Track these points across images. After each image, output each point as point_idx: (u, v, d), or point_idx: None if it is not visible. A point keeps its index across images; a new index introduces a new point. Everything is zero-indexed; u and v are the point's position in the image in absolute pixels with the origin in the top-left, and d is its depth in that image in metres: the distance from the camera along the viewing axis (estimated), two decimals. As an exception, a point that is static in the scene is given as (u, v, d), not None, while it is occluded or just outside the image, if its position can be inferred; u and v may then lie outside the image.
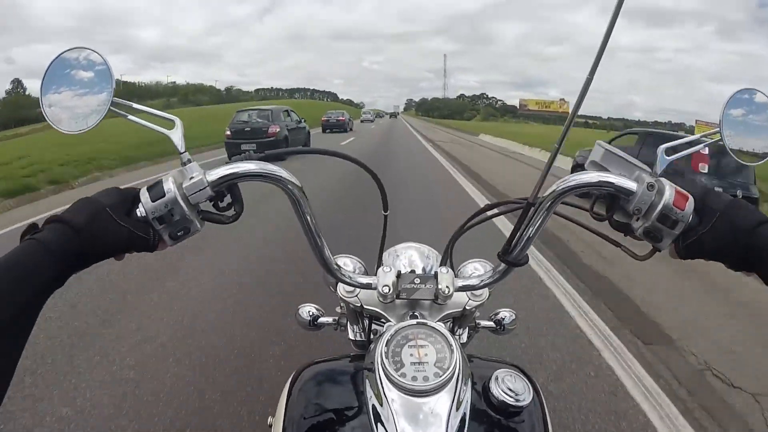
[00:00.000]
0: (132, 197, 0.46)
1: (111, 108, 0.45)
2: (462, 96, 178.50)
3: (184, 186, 0.45)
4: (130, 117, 0.47)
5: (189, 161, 0.46)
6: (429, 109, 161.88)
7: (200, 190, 0.45)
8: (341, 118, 24.75)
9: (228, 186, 0.47)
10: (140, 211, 0.45)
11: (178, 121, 0.47)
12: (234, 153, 10.07)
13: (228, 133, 10.82)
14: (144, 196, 0.45)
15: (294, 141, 11.66)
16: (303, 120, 13.52)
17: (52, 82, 0.47)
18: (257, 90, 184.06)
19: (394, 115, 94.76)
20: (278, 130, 10.83)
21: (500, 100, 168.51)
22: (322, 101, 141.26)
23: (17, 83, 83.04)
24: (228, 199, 0.49)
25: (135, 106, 0.47)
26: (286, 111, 12.44)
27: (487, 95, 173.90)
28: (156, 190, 0.45)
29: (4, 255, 0.38)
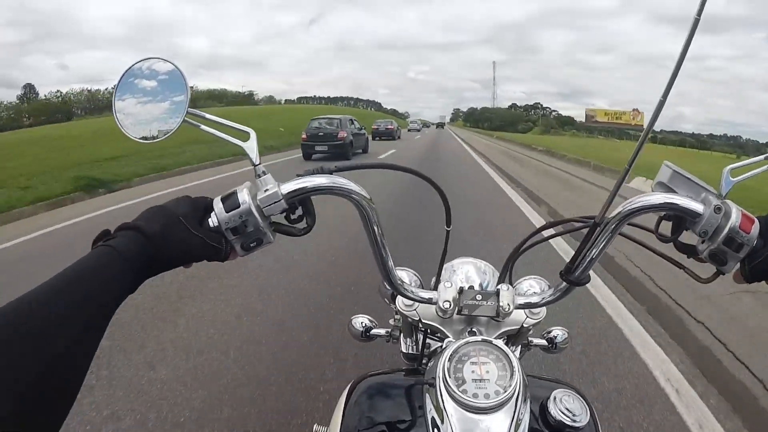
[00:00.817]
0: (204, 206, 0.46)
1: (185, 119, 0.46)
2: (513, 106, 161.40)
3: (258, 198, 0.46)
4: (203, 127, 0.47)
5: (264, 173, 0.47)
6: (478, 119, 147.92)
7: (275, 202, 0.46)
8: (390, 126, 26.84)
9: (300, 199, 0.48)
10: (213, 221, 0.45)
11: (252, 133, 0.48)
12: (309, 153, 12.55)
13: (304, 136, 13.04)
14: (218, 206, 0.45)
15: (356, 145, 13.89)
16: (363, 127, 15.79)
17: (125, 90, 0.48)
18: (299, 98, 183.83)
19: (440, 125, 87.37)
20: (345, 135, 12.97)
21: (554, 111, 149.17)
22: (366, 110, 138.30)
23: (29, 88, 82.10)
24: (299, 211, 0.49)
25: (209, 117, 0.48)
26: (350, 120, 14.59)
27: (541, 105, 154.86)
28: (231, 201, 0.45)
29: (77, 260, 0.38)
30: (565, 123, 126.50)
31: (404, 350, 0.73)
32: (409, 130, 45.11)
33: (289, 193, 0.46)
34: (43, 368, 0.32)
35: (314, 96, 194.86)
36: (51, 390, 0.33)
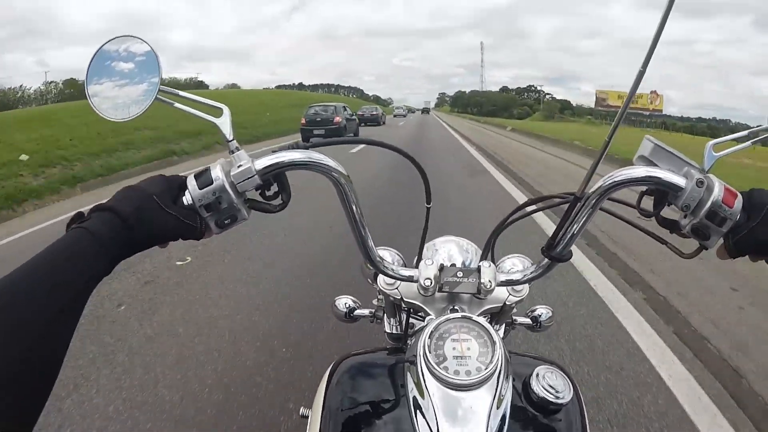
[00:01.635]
0: (178, 184, 0.46)
1: (158, 96, 0.46)
2: (505, 89, 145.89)
3: (232, 174, 0.45)
4: (177, 105, 0.47)
5: (237, 149, 0.46)
6: (466, 104, 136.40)
7: (248, 178, 0.45)
8: (374, 113, 28.65)
9: (275, 175, 0.47)
10: (187, 199, 0.45)
11: (226, 109, 0.47)
12: (308, 136, 14.18)
13: (303, 121, 14.92)
14: (191, 183, 0.45)
15: (348, 129, 15.84)
16: (354, 114, 18.03)
17: (96, 70, 0.47)
18: (278, 86, 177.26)
19: (425, 110, 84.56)
20: (340, 119, 14.91)
21: (549, 94, 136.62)
22: (346, 97, 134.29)
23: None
24: (275, 188, 0.49)
25: (182, 94, 0.47)
26: (344, 107, 16.77)
27: (535, 87, 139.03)
28: (204, 177, 0.45)
29: (52, 243, 0.38)
30: (564, 108, 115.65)
31: (388, 330, 0.74)
32: (394, 116, 46.72)
33: (263, 168, 0.46)
34: (18, 354, 0.32)
35: (292, 84, 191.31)
36: (27, 377, 0.33)
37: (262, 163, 0.46)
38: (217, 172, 0.45)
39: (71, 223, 0.41)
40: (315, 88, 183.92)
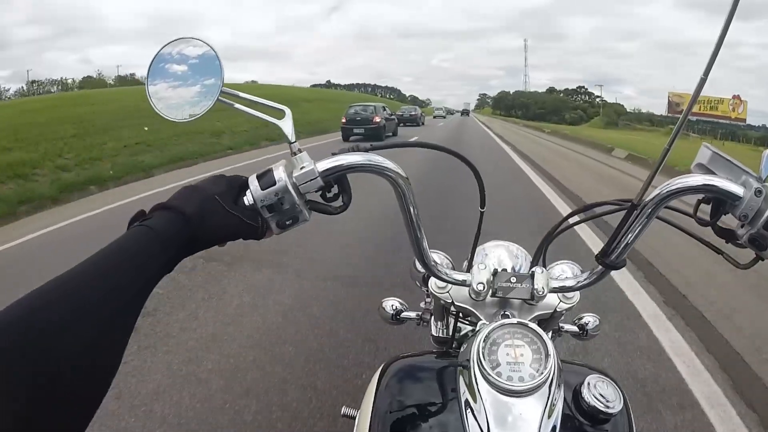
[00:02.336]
0: (239, 184, 0.46)
1: (220, 98, 0.46)
2: (552, 90, 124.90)
3: (294, 175, 0.46)
4: (238, 106, 0.47)
5: (299, 151, 0.47)
6: (510, 105, 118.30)
7: (311, 180, 0.46)
8: (413, 113, 28.54)
9: (335, 177, 0.47)
10: (248, 199, 0.46)
11: (287, 111, 0.48)
12: (348, 134, 14.37)
13: (344, 120, 14.97)
14: (253, 183, 0.46)
15: (387, 128, 15.90)
16: (393, 113, 17.77)
17: (158, 71, 0.48)
18: (313, 85, 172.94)
19: (465, 112, 79.03)
20: (380, 119, 14.94)
21: (599, 96, 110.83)
22: (383, 97, 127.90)
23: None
24: (335, 189, 0.49)
25: (243, 95, 0.48)
26: (383, 107, 16.84)
27: (585, 89, 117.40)
28: (266, 178, 0.45)
29: (115, 240, 0.38)
30: (619, 113, 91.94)
31: (434, 333, 0.73)
32: (434, 117, 47.05)
33: (325, 170, 0.46)
34: (81, 348, 0.32)
35: (328, 82, 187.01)
36: (89, 370, 0.33)
37: (324, 165, 0.47)
38: (280, 173, 0.45)
39: (133, 221, 0.41)
40: (351, 87, 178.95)
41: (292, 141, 0.47)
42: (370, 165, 0.47)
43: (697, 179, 0.46)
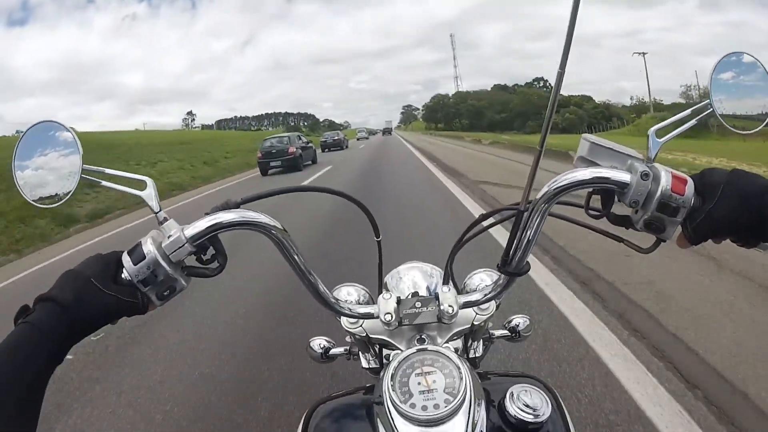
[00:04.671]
0: (115, 261, 0.46)
1: (83, 175, 0.46)
2: (502, 86, 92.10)
3: (163, 245, 0.45)
4: (103, 183, 0.48)
5: (165, 219, 0.47)
6: (452, 114, 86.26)
7: (180, 247, 0.45)
8: (336, 137, 29.25)
9: (209, 239, 0.47)
10: (125, 276, 0.45)
11: (149, 181, 0.48)
12: (265, 169, 14.68)
13: (259, 155, 14.92)
14: (126, 260, 0.45)
15: (305, 157, 15.90)
16: (310, 141, 18.64)
17: (24, 154, 0.49)
18: (218, 121, 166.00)
19: (386, 131, 71.12)
20: (295, 149, 14.88)
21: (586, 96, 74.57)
22: (297, 125, 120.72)
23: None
24: (211, 250, 0.48)
25: (107, 171, 0.48)
26: (298, 135, 17.33)
27: (546, 80, 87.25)
28: (137, 253, 0.45)
29: (2, 341, 0.39)
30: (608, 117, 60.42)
31: (365, 365, 0.72)
32: (357, 139, 49.37)
33: (194, 235, 0.46)
34: None
35: (233, 117, 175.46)
36: None
37: (192, 229, 0.46)
38: (148, 246, 0.45)
39: (18, 317, 0.41)
40: (260, 118, 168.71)
41: (157, 210, 0.47)
42: (243, 222, 0.47)
43: (582, 173, 0.45)
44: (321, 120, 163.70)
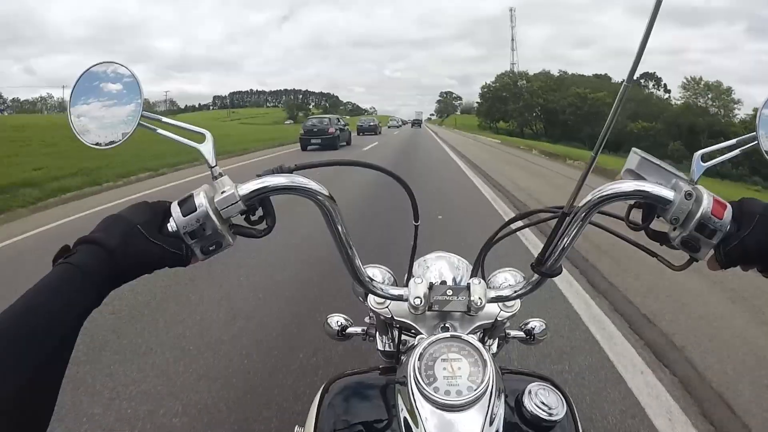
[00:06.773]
0: (162, 212, 0.46)
1: (140, 122, 0.46)
2: (597, 76, 66.49)
3: (215, 200, 0.45)
4: (159, 131, 0.47)
5: (221, 175, 0.47)
6: (509, 111, 61.55)
7: (232, 204, 0.45)
8: (372, 123, 32.24)
9: (259, 200, 0.47)
10: (171, 226, 0.45)
11: (208, 135, 0.48)
12: (305, 145, 16.68)
13: (301, 132, 17.26)
14: (175, 210, 0.45)
15: (342, 138, 18.03)
16: (347, 124, 20.76)
17: (80, 94, 0.48)
18: (231, 93, 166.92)
19: (416, 123, 65.63)
20: (334, 130, 16.97)
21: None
22: (317, 106, 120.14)
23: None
24: (260, 212, 0.49)
25: (164, 120, 0.48)
26: (337, 118, 19.48)
27: (656, 74, 63.14)
28: (187, 204, 0.45)
29: (40, 280, 0.38)
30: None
31: (380, 348, 0.73)
32: (389, 127, 51.46)
33: (247, 194, 0.46)
34: (15, 392, 0.33)
35: (250, 90, 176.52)
36: (26, 411, 0.34)
37: (245, 188, 0.46)
38: (200, 199, 0.45)
39: (57, 257, 0.41)
40: (278, 94, 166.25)
41: (213, 165, 0.47)
42: (294, 186, 0.47)
43: (627, 185, 0.47)
44: (344, 102, 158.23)
